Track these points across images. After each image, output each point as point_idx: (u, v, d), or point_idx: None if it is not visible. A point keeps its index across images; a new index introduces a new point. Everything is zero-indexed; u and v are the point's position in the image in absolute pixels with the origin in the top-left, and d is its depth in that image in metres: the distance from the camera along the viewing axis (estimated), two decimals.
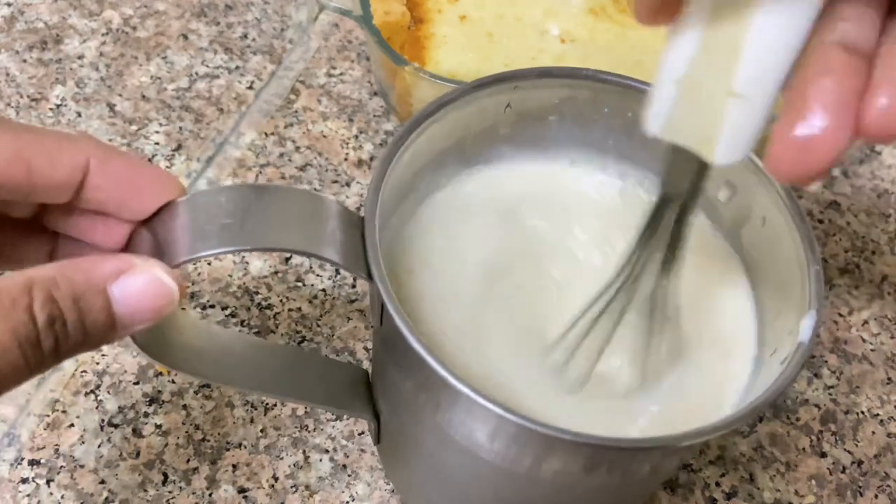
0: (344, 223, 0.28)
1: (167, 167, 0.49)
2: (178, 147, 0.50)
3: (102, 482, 0.39)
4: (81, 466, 0.39)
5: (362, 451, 0.40)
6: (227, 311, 0.44)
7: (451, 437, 0.30)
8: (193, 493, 0.39)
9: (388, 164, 0.30)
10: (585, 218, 0.35)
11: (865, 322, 0.47)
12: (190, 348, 0.32)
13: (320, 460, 0.40)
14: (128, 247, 0.28)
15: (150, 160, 0.49)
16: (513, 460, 0.29)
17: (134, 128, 0.50)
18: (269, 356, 0.35)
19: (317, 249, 0.27)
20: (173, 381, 0.41)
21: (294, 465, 0.40)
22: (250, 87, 0.53)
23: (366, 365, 0.43)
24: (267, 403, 0.41)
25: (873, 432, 0.43)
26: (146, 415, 0.40)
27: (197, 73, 0.53)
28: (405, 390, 0.31)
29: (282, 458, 0.40)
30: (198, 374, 0.32)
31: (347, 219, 0.28)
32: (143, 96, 0.51)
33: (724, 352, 0.32)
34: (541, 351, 0.31)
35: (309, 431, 0.41)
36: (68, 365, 0.42)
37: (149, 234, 0.27)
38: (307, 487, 0.39)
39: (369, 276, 0.28)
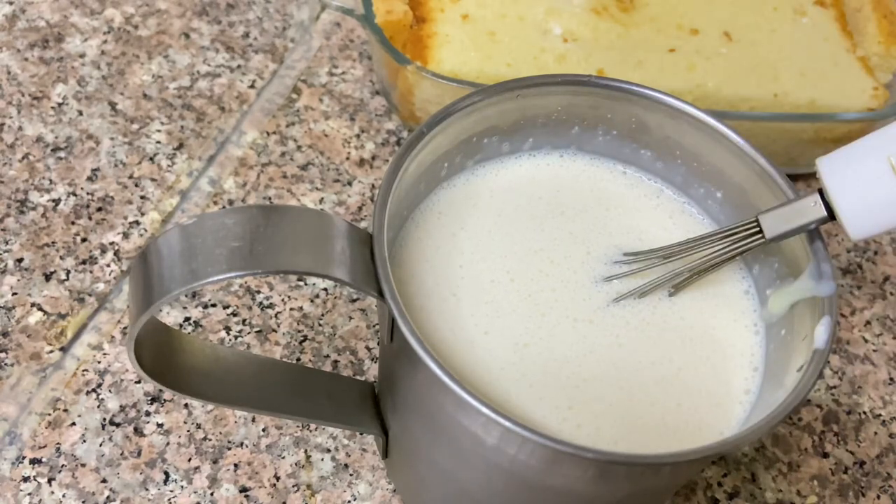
0: (352, 241, 0.28)
1: (168, 166, 0.49)
2: (180, 146, 0.50)
3: (104, 481, 0.39)
4: (83, 465, 0.39)
5: (364, 450, 0.40)
6: (229, 311, 0.44)
7: (466, 452, 0.30)
8: (195, 493, 0.39)
9: (394, 180, 0.30)
10: (579, 215, 0.35)
11: (868, 322, 0.47)
12: (195, 371, 0.32)
13: (322, 460, 0.40)
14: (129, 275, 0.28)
15: (151, 159, 0.49)
16: (528, 473, 0.29)
17: (135, 126, 0.50)
18: (276, 375, 0.35)
19: (327, 270, 0.27)
20: None
21: (296, 464, 0.40)
22: (252, 86, 0.53)
23: (367, 365, 0.43)
24: None
25: (875, 433, 0.43)
26: (148, 413, 0.40)
27: (198, 72, 0.53)
28: (418, 407, 0.30)
29: (283, 458, 0.40)
30: (204, 398, 0.32)
31: (355, 237, 0.28)
32: (145, 95, 0.51)
33: (728, 362, 0.32)
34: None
35: (311, 431, 0.41)
36: (70, 363, 0.42)
37: (154, 260, 0.27)
38: (309, 487, 0.39)
39: (380, 295, 0.28)
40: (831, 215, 0.30)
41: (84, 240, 0.45)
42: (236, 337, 0.43)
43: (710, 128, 0.33)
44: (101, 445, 0.39)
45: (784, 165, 0.48)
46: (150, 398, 0.41)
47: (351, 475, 0.40)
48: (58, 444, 0.39)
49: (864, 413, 0.44)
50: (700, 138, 0.34)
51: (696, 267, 0.32)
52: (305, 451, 0.40)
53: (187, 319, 0.43)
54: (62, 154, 0.48)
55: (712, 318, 0.33)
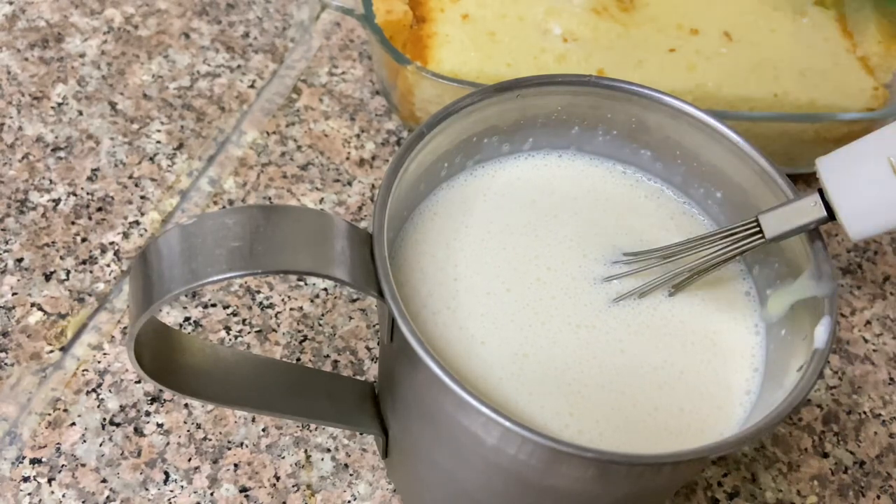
0: (352, 241, 0.28)
1: (168, 166, 0.49)
2: (180, 146, 0.50)
3: (104, 481, 0.39)
4: (83, 465, 0.39)
5: (364, 450, 0.40)
6: (229, 311, 0.44)
7: (466, 452, 0.30)
8: (195, 493, 0.39)
9: (394, 180, 0.30)
10: (573, 217, 0.35)
11: (868, 322, 0.47)
12: (196, 371, 0.32)
13: (322, 459, 0.40)
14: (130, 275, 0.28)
15: (151, 159, 0.49)
16: (528, 473, 0.29)
17: (135, 126, 0.50)
18: (276, 375, 0.35)
19: (327, 270, 0.27)
20: None
21: (296, 464, 0.40)
22: (252, 86, 0.53)
23: (367, 365, 0.43)
24: None
25: (875, 433, 0.43)
26: (148, 413, 0.40)
27: (198, 72, 0.53)
28: (418, 407, 0.30)
29: (283, 458, 0.40)
30: (204, 398, 0.32)
31: (355, 237, 0.28)
32: (145, 95, 0.51)
33: (728, 363, 0.32)
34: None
35: (311, 431, 0.41)
36: (70, 363, 0.42)
37: (154, 260, 0.27)
38: (309, 487, 0.39)
39: (380, 295, 0.28)
40: (831, 215, 0.30)
41: (84, 240, 0.45)
42: (236, 337, 0.43)
43: (710, 128, 0.33)
44: (101, 445, 0.39)
45: (784, 165, 0.48)
46: (150, 398, 0.41)
47: (351, 475, 0.40)
48: (58, 444, 0.39)
49: (864, 413, 0.44)
50: (700, 138, 0.34)
51: (697, 267, 0.32)
52: (305, 451, 0.40)
53: (187, 319, 0.43)
54: (62, 154, 0.48)
55: (713, 321, 0.33)
